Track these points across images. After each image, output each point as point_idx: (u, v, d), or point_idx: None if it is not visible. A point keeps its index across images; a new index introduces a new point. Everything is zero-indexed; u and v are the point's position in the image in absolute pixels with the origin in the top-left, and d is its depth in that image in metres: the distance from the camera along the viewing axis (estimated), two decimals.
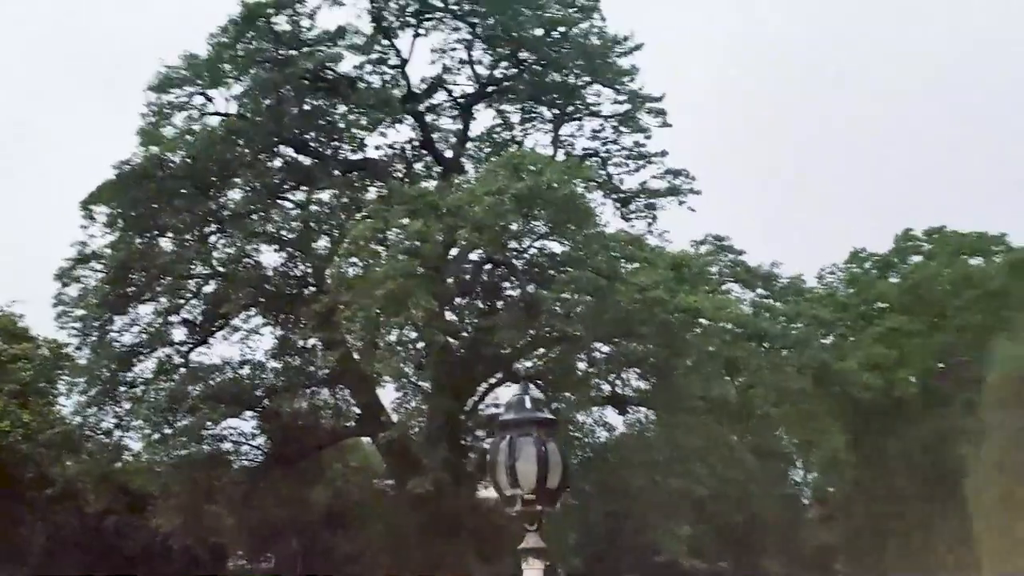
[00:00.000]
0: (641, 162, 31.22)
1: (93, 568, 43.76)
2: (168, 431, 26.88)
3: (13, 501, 32.73)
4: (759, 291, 32.63)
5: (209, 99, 28.19)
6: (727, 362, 27.51)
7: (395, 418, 27.87)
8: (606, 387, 28.82)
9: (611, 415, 30.66)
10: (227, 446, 29.38)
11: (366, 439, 43.78)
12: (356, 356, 26.82)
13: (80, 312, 28.22)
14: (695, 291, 27.76)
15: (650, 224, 31.68)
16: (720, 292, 31.65)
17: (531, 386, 4.00)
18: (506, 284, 32.38)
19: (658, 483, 28.39)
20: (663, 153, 30.72)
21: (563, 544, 44.67)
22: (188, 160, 26.67)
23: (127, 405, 28.89)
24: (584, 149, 31.61)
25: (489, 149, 32.40)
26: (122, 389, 28.92)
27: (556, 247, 29.78)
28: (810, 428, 26.64)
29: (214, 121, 28.16)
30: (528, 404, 3.79)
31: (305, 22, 27.28)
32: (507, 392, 33.56)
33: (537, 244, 30.09)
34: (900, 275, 34.03)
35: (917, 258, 34.07)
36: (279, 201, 29.08)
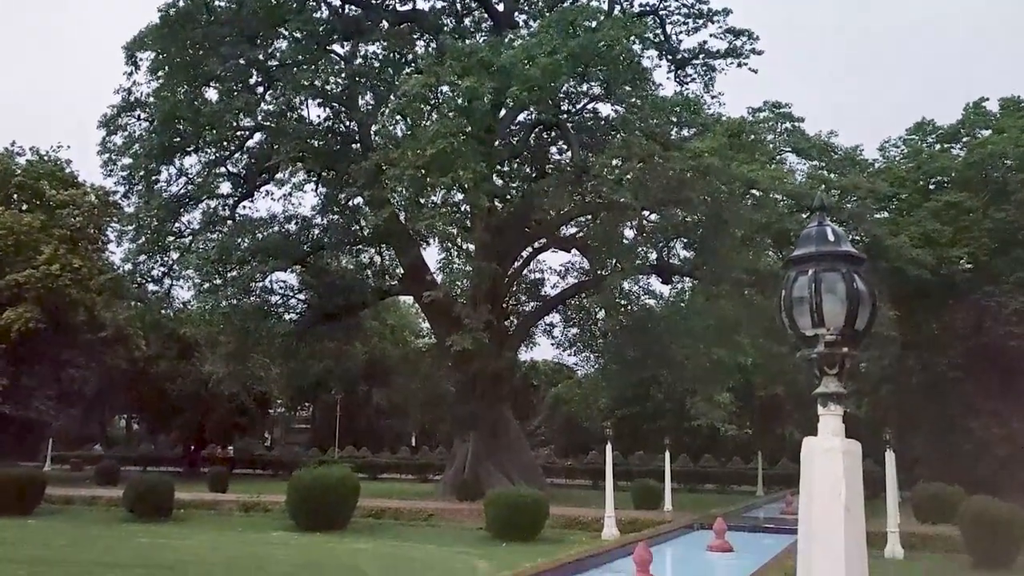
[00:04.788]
0: (701, 21, 29.76)
1: (143, 410, 45.71)
2: (218, 281, 27.06)
3: (66, 344, 33.68)
4: (815, 162, 31.66)
5: None
6: (777, 234, 26.97)
7: (439, 278, 27.88)
8: (652, 255, 28.57)
9: (656, 284, 30.62)
10: (275, 299, 29.77)
11: (404, 299, 44.39)
12: (402, 216, 26.55)
13: (127, 161, 28.11)
14: (751, 160, 26.90)
15: (707, 87, 30.54)
16: (776, 162, 30.69)
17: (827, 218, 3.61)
18: (554, 149, 31.75)
19: (700, 351, 28.43)
20: (726, 12, 29.11)
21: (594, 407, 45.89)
22: (234, 5, 25.72)
23: (175, 255, 29.19)
24: (641, 5, 30.13)
25: (542, 4, 30.98)
26: (170, 239, 29.14)
27: (608, 110, 29.03)
28: None
29: None
30: (831, 236, 3.44)
31: None
32: (553, 257, 33.46)
33: (589, 107, 29.41)
34: (967, 149, 32.13)
35: (987, 132, 32.07)
36: (326, 53, 28.21)
